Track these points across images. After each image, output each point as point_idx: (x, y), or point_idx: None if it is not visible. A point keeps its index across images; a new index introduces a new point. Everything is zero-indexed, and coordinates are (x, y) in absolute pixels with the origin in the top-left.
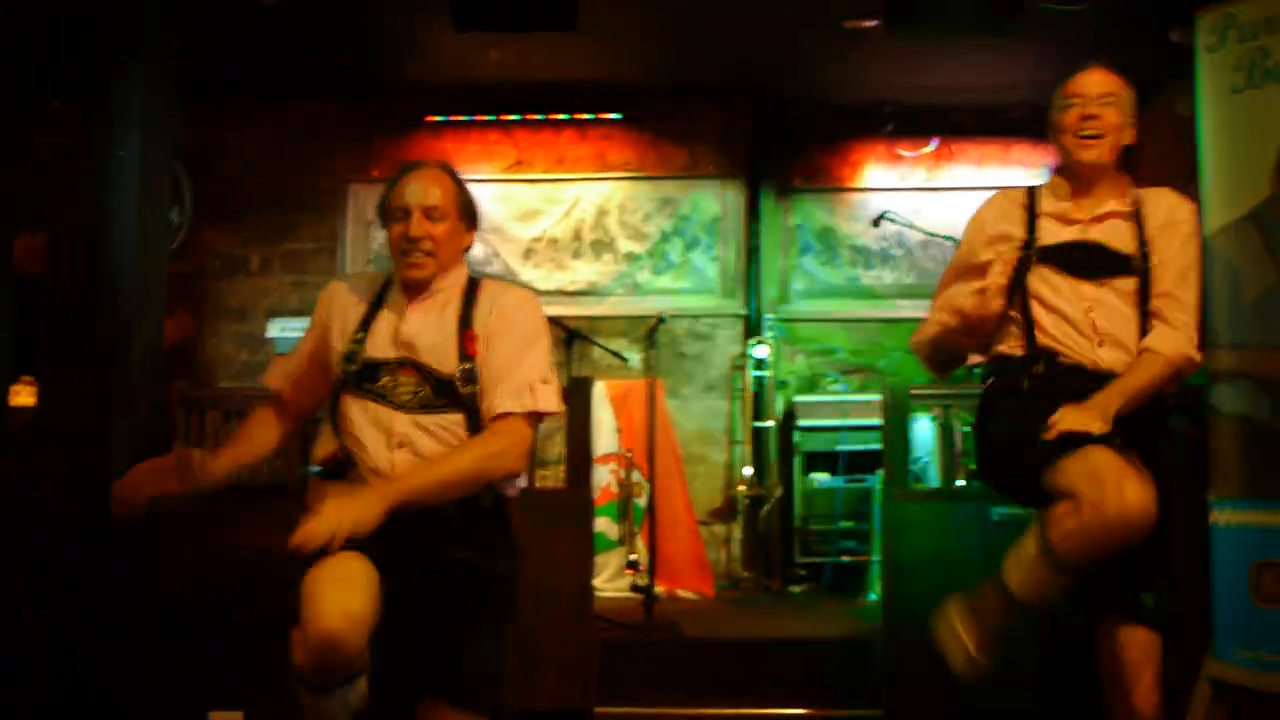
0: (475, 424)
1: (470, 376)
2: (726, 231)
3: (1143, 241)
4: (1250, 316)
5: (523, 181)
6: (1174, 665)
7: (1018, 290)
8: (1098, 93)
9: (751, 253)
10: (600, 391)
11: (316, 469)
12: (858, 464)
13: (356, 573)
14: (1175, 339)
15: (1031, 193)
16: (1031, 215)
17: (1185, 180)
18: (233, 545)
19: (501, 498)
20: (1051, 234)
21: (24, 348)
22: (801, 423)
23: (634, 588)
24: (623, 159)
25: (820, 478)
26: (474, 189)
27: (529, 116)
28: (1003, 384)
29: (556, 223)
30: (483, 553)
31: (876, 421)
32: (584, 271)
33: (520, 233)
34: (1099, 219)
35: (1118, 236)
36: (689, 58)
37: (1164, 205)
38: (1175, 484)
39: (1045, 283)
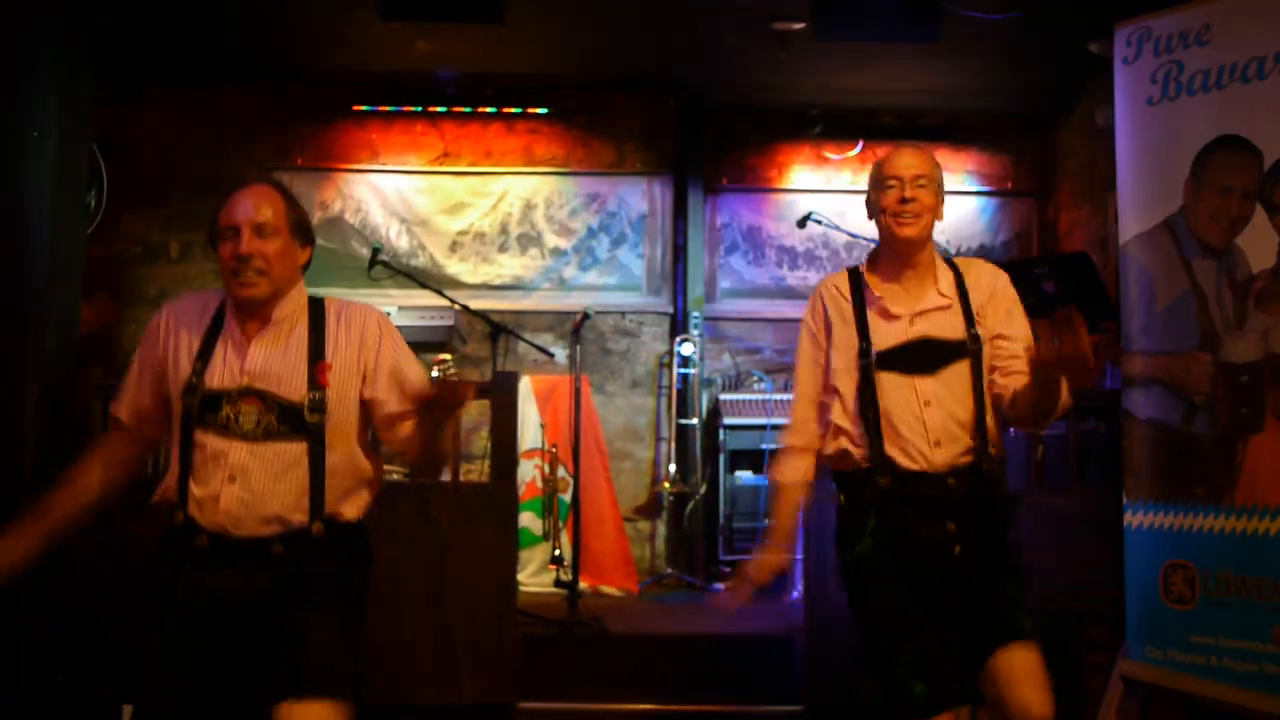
0: (318, 453)
1: (318, 405)
2: (653, 229)
3: (970, 322)
4: (1163, 323)
5: (449, 174)
6: (1086, 665)
7: (861, 398)
8: (912, 175)
9: (678, 250)
10: (525, 386)
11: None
12: None
13: None
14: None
15: (855, 281)
16: (861, 312)
17: (1103, 190)
18: (146, 534)
19: (340, 525)
20: (882, 335)
21: None
22: (727, 420)
23: (558, 583)
24: (550, 154)
25: (745, 475)
26: (399, 180)
27: (456, 109)
28: (848, 511)
29: (483, 216)
30: (307, 575)
31: None
32: (510, 265)
33: (447, 225)
34: (922, 313)
35: (945, 325)
36: (617, 54)
37: (983, 278)
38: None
39: (885, 387)
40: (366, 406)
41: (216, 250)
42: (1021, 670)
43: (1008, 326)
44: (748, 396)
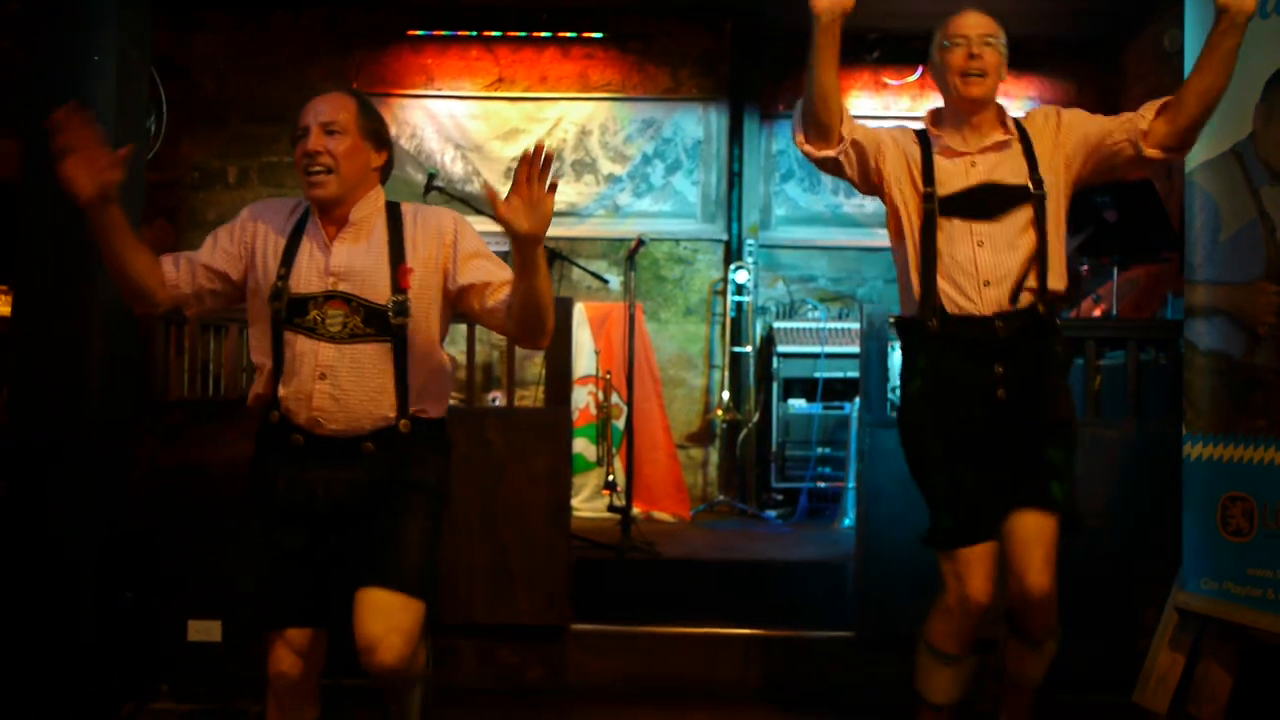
0: (402, 353)
1: (402, 308)
2: (709, 156)
3: (1033, 164)
4: (1228, 253)
5: (504, 99)
6: (1140, 595)
7: (923, 242)
8: (979, 33)
9: (734, 178)
10: (580, 313)
11: (254, 411)
12: (835, 391)
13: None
14: None
15: (922, 135)
16: (929, 160)
17: None
18: (210, 457)
19: (424, 421)
20: (947, 178)
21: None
22: (780, 349)
23: (611, 508)
24: (605, 79)
25: (798, 404)
26: (454, 106)
27: (511, 34)
28: (909, 347)
29: (538, 142)
30: (397, 471)
31: (854, 349)
32: (565, 192)
33: (501, 151)
34: (985, 150)
35: (1008, 168)
36: None
37: (1041, 118)
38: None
39: (944, 231)
40: (459, 297)
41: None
42: (1032, 537)
43: (1102, 118)
44: (802, 325)
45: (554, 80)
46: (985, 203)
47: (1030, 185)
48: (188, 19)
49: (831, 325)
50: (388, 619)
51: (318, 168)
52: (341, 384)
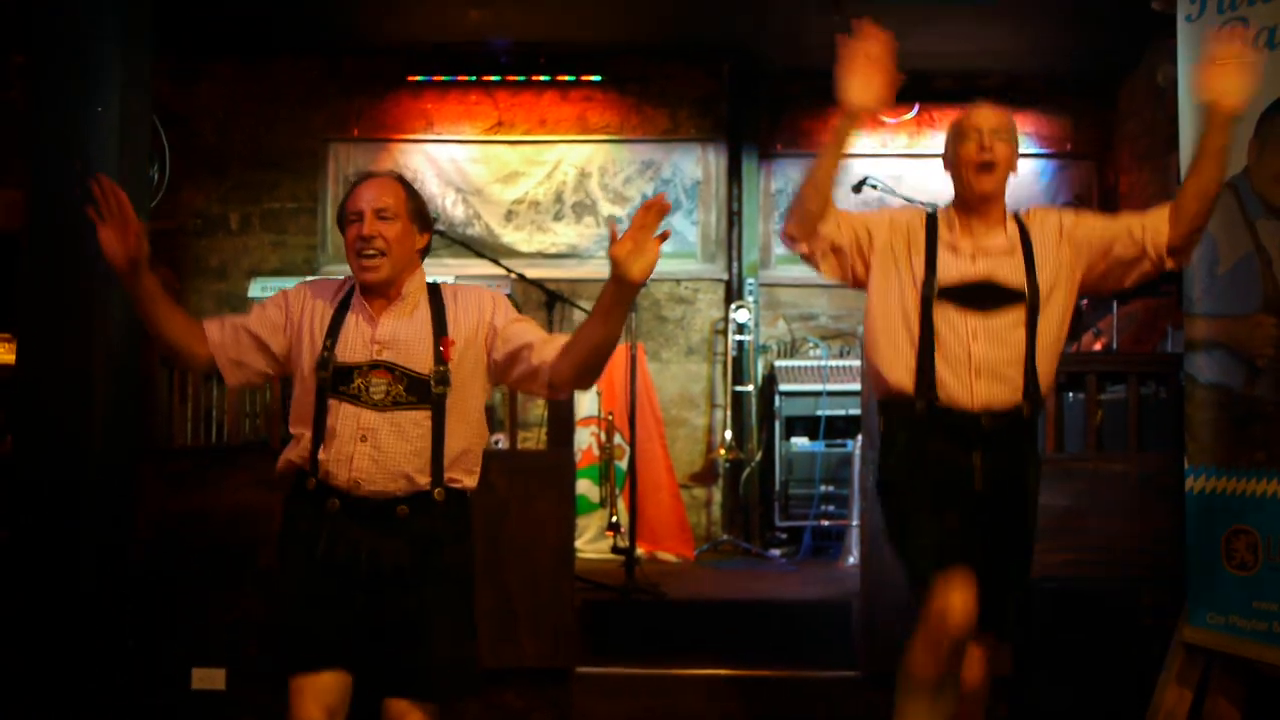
0: (440, 421)
1: (444, 378)
2: (708, 195)
3: (1031, 268)
4: (1226, 285)
5: (504, 143)
6: (1147, 630)
7: (921, 328)
8: (991, 126)
9: (733, 216)
10: None
11: (286, 474)
12: (837, 428)
13: (331, 684)
14: None
15: (931, 220)
16: (932, 247)
17: (1164, 152)
18: (213, 504)
19: (456, 493)
20: (946, 269)
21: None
22: (782, 387)
23: (615, 549)
24: (604, 121)
25: (800, 442)
26: (454, 150)
27: (510, 78)
28: (890, 424)
29: (538, 184)
30: (425, 549)
31: (856, 386)
32: (565, 234)
33: (502, 194)
34: (985, 251)
35: (1006, 269)
36: (670, 20)
37: (1045, 221)
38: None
39: (939, 319)
40: (506, 364)
41: (345, 236)
42: (979, 659)
43: (1107, 223)
44: (803, 363)
45: (553, 123)
46: (982, 297)
47: (1025, 289)
48: (188, 68)
49: (833, 363)
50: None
51: (371, 251)
52: (381, 445)
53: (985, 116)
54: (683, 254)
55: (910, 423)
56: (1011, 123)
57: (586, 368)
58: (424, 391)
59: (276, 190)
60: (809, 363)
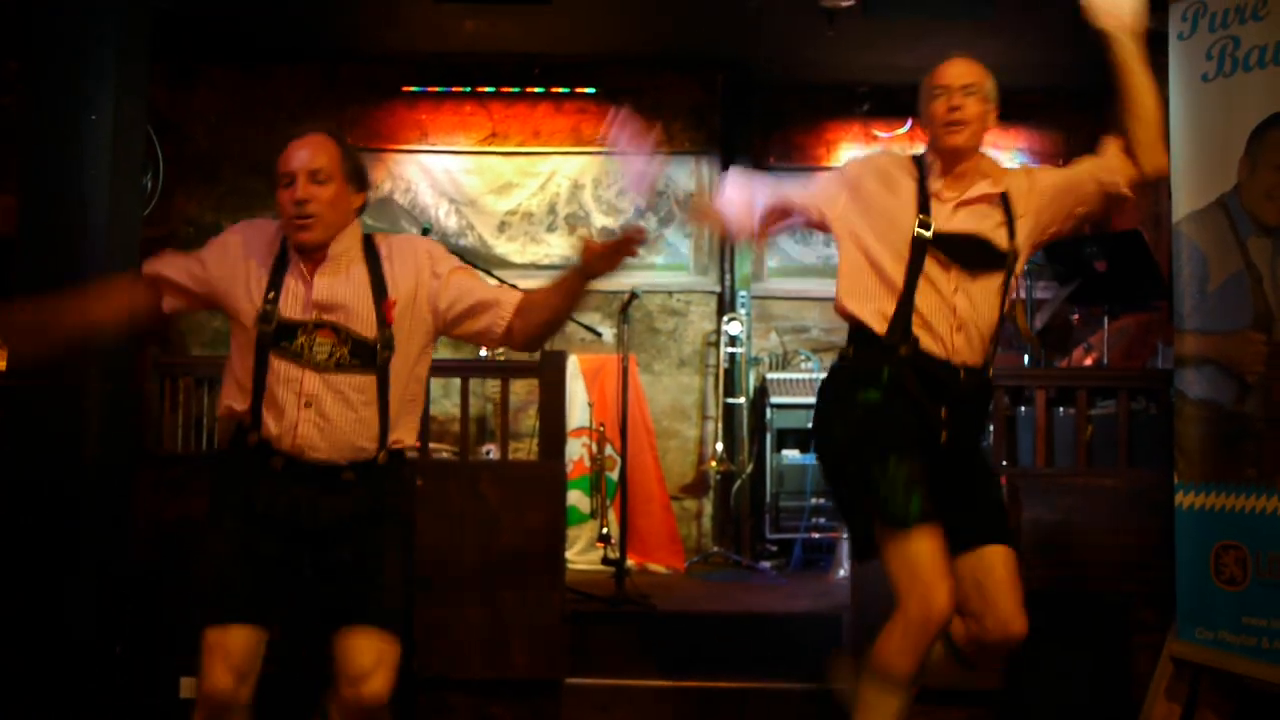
0: (385, 387)
1: (389, 343)
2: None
3: (1011, 232)
4: (1216, 302)
5: (498, 154)
6: (1136, 644)
7: (908, 272)
8: (960, 84)
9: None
10: (573, 365)
11: (226, 428)
12: None
13: (242, 643)
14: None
15: (919, 163)
16: (924, 193)
17: None
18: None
19: (400, 452)
20: (939, 218)
21: None
22: (774, 399)
23: (605, 561)
24: (597, 133)
25: (791, 454)
26: (448, 160)
27: (504, 89)
28: (857, 370)
29: (531, 196)
30: (375, 501)
31: None
32: (558, 245)
33: (495, 206)
34: (966, 202)
35: (989, 226)
36: (664, 32)
37: (1016, 176)
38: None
39: (927, 268)
40: (453, 321)
41: (277, 196)
42: (1006, 579)
43: (1067, 173)
44: (795, 375)
45: (547, 135)
46: (970, 255)
47: (1008, 253)
48: (183, 75)
49: (824, 376)
50: (377, 655)
51: (305, 215)
52: (326, 414)
53: (955, 72)
54: (675, 266)
55: (891, 362)
56: (983, 76)
57: (543, 335)
58: (369, 356)
59: (269, 198)
60: (801, 375)
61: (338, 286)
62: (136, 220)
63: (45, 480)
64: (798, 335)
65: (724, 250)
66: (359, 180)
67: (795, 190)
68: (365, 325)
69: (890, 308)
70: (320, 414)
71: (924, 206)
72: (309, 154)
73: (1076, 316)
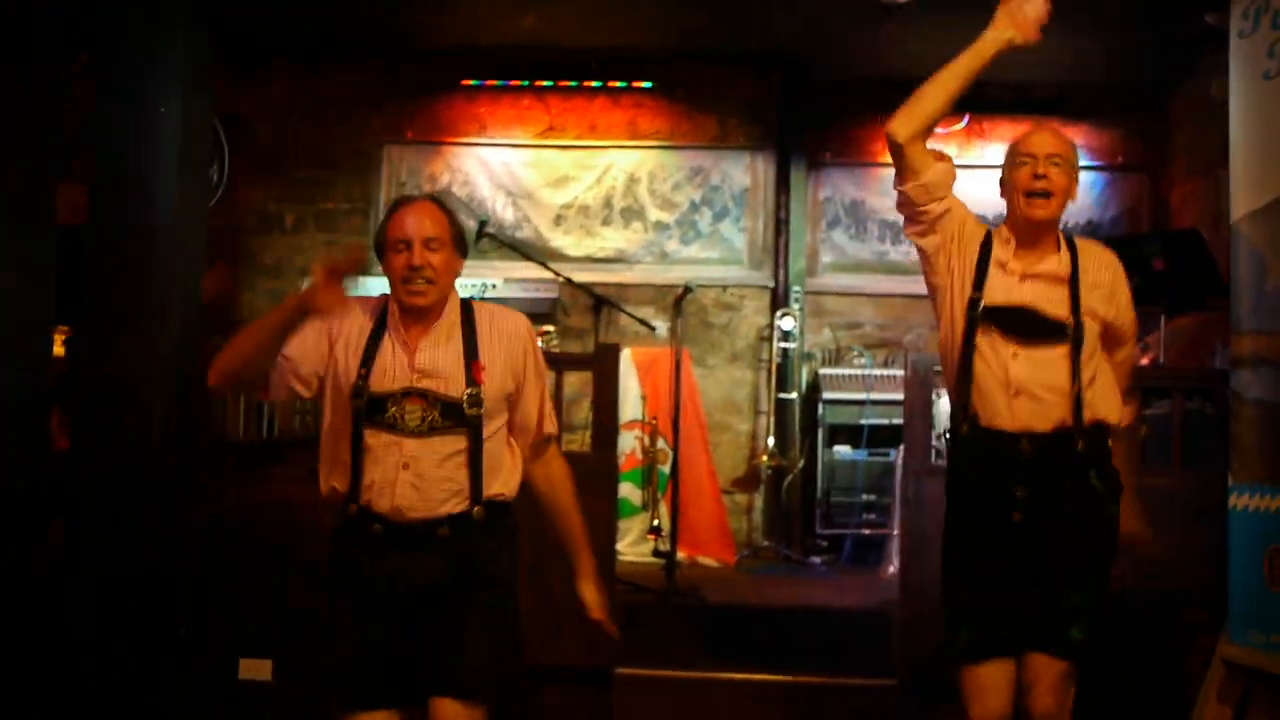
0: (477, 442)
1: (476, 400)
2: (756, 202)
3: (1075, 306)
4: (1274, 302)
5: (555, 147)
6: (1188, 646)
7: (963, 346)
8: (1046, 153)
9: (780, 225)
10: (627, 358)
11: (331, 507)
12: (880, 437)
13: None
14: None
15: (988, 237)
16: (984, 261)
17: (1216, 165)
18: (262, 498)
19: (497, 506)
20: (994, 288)
21: (64, 299)
22: (826, 395)
23: (656, 553)
24: (654, 127)
25: (843, 450)
26: (506, 154)
27: (562, 83)
28: (950, 449)
29: (587, 189)
30: (471, 562)
31: (900, 396)
32: (613, 239)
33: (551, 199)
34: (1033, 276)
35: (1052, 298)
36: (721, 27)
37: (1096, 268)
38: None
39: (981, 340)
40: (511, 406)
41: (383, 260)
42: (1047, 683)
43: (1114, 323)
44: (847, 371)
45: (604, 129)
46: (1024, 325)
47: (1070, 323)
48: (248, 70)
49: (877, 372)
50: None
51: (421, 281)
52: (423, 473)
53: (1042, 141)
54: (729, 261)
55: (958, 448)
56: (1070, 148)
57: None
58: (458, 415)
59: (331, 191)
60: (853, 371)
61: (438, 355)
62: (203, 211)
63: (112, 465)
64: (851, 331)
65: (778, 245)
66: (463, 246)
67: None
68: (453, 386)
69: (953, 381)
70: (417, 474)
71: (980, 281)
72: (423, 221)
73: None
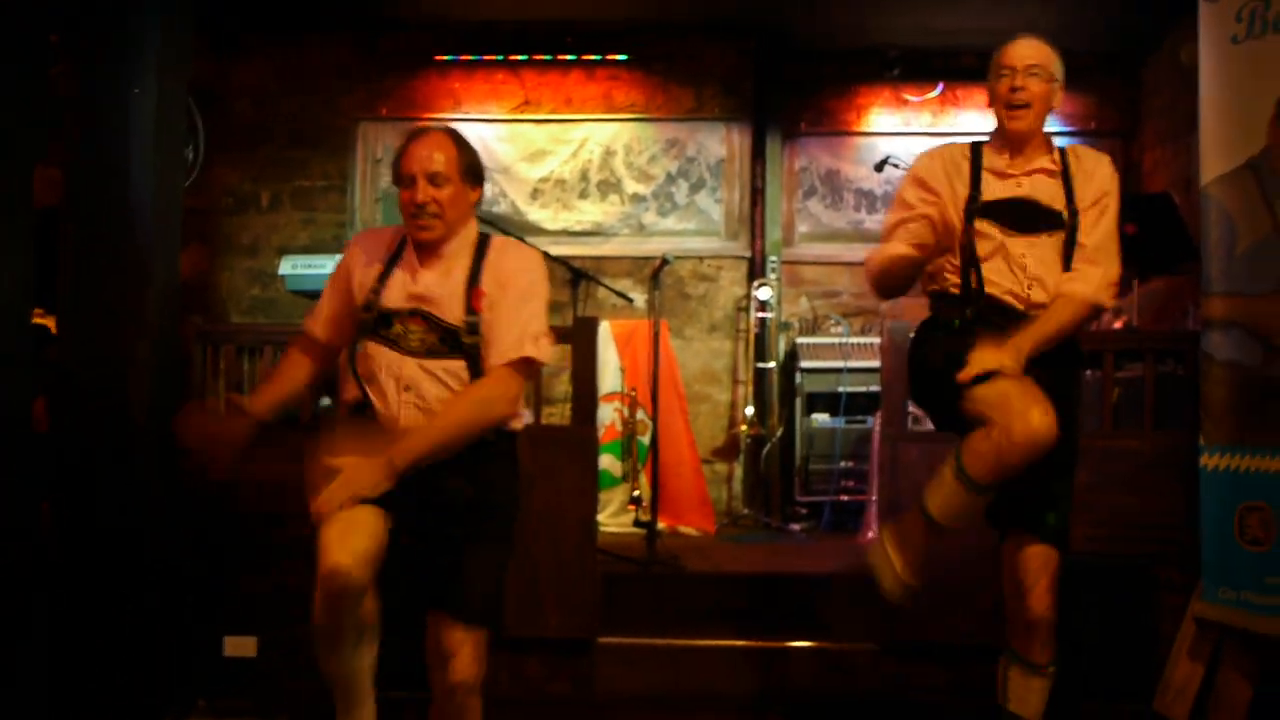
0: (477, 370)
1: (474, 328)
2: (732, 174)
3: (1070, 197)
4: (1244, 265)
5: (530, 122)
6: (1160, 605)
7: (962, 237)
8: (1024, 65)
9: (756, 195)
10: (605, 331)
11: (344, 408)
12: (858, 405)
13: (363, 519)
14: (1087, 285)
15: (975, 149)
16: (976, 171)
17: (1187, 130)
18: (244, 477)
19: (505, 433)
20: (991, 189)
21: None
22: (803, 364)
23: (637, 523)
24: (629, 100)
25: (821, 418)
26: (481, 129)
27: (536, 57)
28: (937, 318)
29: (564, 163)
30: (480, 486)
31: (877, 363)
32: (590, 212)
33: (528, 173)
34: (1030, 174)
35: (1048, 193)
36: None
37: (1087, 162)
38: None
39: (985, 233)
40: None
41: (399, 193)
42: (1039, 567)
43: (1095, 215)
44: (825, 340)
45: (579, 102)
46: (1025, 217)
47: (1065, 212)
48: (223, 47)
49: (854, 340)
50: (460, 641)
51: (426, 216)
52: (425, 395)
53: (1021, 53)
54: (706, 232)
55: (967, 315)
56: (1049, 56)
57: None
58: (455, 341)
59: (307, 169)
60: (830, 340)
61: (439, 280)
62: (179, 191)
63: (95, 447)
64: (828, 300)
65: (754, 216)
66: (475, 177)
67: (915, 225)
68: (451, 313)
69: (958, 272)
70: (419, 397)
71: (975, 184)
72: (428, 155)
73: None
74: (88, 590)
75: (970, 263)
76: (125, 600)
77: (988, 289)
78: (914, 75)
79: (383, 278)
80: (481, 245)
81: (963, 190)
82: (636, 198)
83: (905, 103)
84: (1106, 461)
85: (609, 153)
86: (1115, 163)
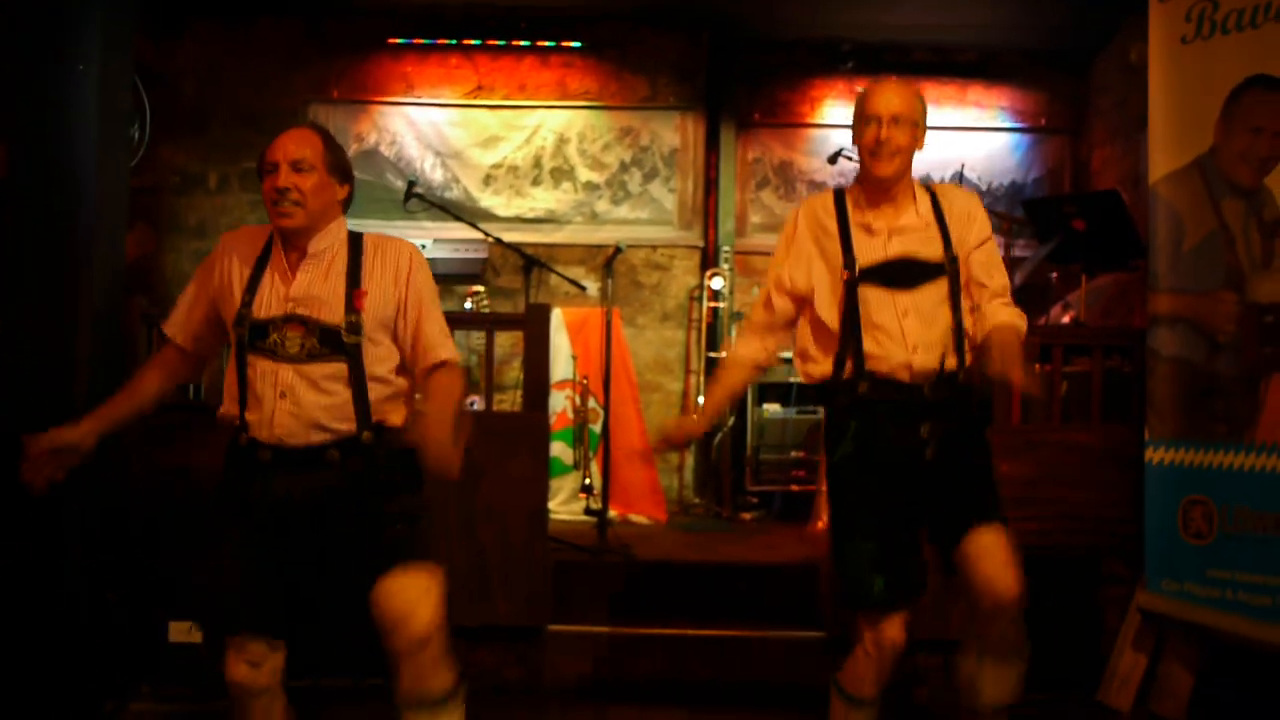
0: (358, 371)
1: (355, 327)
2: (685, 163)
3: (947, 243)
4: (1190, 262)
5: (483, 107)
6: (1104, 597)
7: (845, 311)
8: (890, 114)
9: (710, 185)
10: (557, 319)
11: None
12: (809, 395)
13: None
14: (1014, 316)
15: (840, 201)
16: (845, 230)
17: (1136, 128)
18: (189, 461)
19: (388, 430)
20: (863, 250)
21: None
22: None
23: (588, 511)
24: (583, 87)
25: (772, 408)
26: (434, 113)
27: (490, 42)
28: (830, 420)
29: (517, 149)
30: (363, 485)
31: None
32: (543, 199)
33: (480, 159)
34: (900, 230)
35: (924, 244)
36: None
37: (957, 203)
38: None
39: (867, 300)
40: (397, 337)
41: (262, 186)
42: (991, 546)
43: (982, 270)
44: None
45: (533, 88)
46: (903, 274)
47: (945, 261)
48: (170, 27)
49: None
50: (414, 591)
51: (286, 203)
52: (300, 401)
53: (884, 102)
54: (659, 221)
55: (856, 406)
56: (914, 104)
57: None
58: (336, 342)
59: (255, 150)
60: None
61: (315, 283)
62: (124, 170)
63: (37, 429)
64: None
65: (707, 205)
66: (341, 173)
67: (780, 300)
68: (332, 313)
69: (843, 346)
70: (294, 402)
71: (848, 247)
72: (292, 145)
73: (1055, 275)
74: (25, 577)
75: (854, 335)
76: (64, 587)
77: (874, 366)
78: (867, 69)
79: (252, 287)
80: (355, 244)
81: (835, 253)
82: (590, 186)
83: (857, 95)
84: (1055, 455)
85: (562, 140)
86: (1064, 159)
